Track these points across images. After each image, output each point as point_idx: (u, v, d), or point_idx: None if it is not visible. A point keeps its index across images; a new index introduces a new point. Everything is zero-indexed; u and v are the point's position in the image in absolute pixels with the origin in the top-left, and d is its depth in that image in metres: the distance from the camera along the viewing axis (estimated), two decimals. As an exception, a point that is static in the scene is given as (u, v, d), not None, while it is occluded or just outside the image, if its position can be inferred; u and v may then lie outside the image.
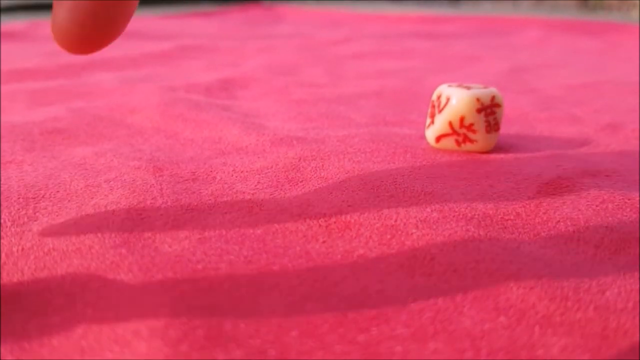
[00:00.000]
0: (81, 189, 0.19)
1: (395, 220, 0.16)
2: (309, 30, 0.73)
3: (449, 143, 0.23)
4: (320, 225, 0.16)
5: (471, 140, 0.23)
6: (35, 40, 0.58)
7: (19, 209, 0.18)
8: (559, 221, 0.17)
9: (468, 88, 0.23)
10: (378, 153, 0.22)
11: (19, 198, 0.18)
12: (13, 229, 0.16)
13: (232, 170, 0.21)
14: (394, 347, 0.11)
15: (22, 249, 0.15)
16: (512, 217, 0.17)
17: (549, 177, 0.20)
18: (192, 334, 0.11)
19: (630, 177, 0.20)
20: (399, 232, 0.16)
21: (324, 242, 0.15)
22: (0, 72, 0.39)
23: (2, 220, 0.17)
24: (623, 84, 0.40)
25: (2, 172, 0.21)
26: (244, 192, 0.19)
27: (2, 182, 0.19)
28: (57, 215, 0.17)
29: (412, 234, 0.16)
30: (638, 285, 0.13)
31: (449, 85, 0.23)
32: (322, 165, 0.21)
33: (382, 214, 0.17)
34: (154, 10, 1.04)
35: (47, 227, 0.16)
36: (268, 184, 0.19)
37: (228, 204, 0.18)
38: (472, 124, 0.22)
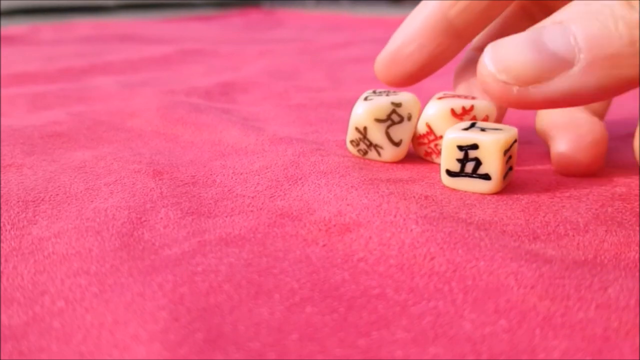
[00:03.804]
0: (81, 192, 0.19)
1: (395, 216, 0.16)
2: (309, 34, 0.74)
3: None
4: (320, 229, 0.16)
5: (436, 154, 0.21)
6: (36, 44, 0.58)
7: (18, 212, 0.17)
8: (558, 224, 0.17)
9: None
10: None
11: (18, 201, 0.18)
12: (12, 232, 0.16)
13: (232, 173, 0.21)
14: (394, 351, 0.11)
15: (22, 252, 0.15)
16: (511, 221, 0.17)
17: (547, 181, 0.20)
18: (191, 337, 0.11)
19: (629, 180, 0.20)
20: (399, 229, 0.16)
21: (324, 245, 0.15)
22: (0, 76, 0.39)
23: (1, 224, 0.17)
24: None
25: (1, 175, 0.20)
26: (243, 196, 0.19)
27: (1, 186, 0.19)
28: (56, 219, 0.17)
29: (412, 230, 0.16)
30: (639, 283, 0.13)
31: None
32: (322, 160, 0.21)
33: (381, 209, 0.17)
34: (154, 14, 1.04)
35: (47, 231, 0.16)
36: (267, 184, 0.19)
37: (228, 208, 0.18)
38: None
